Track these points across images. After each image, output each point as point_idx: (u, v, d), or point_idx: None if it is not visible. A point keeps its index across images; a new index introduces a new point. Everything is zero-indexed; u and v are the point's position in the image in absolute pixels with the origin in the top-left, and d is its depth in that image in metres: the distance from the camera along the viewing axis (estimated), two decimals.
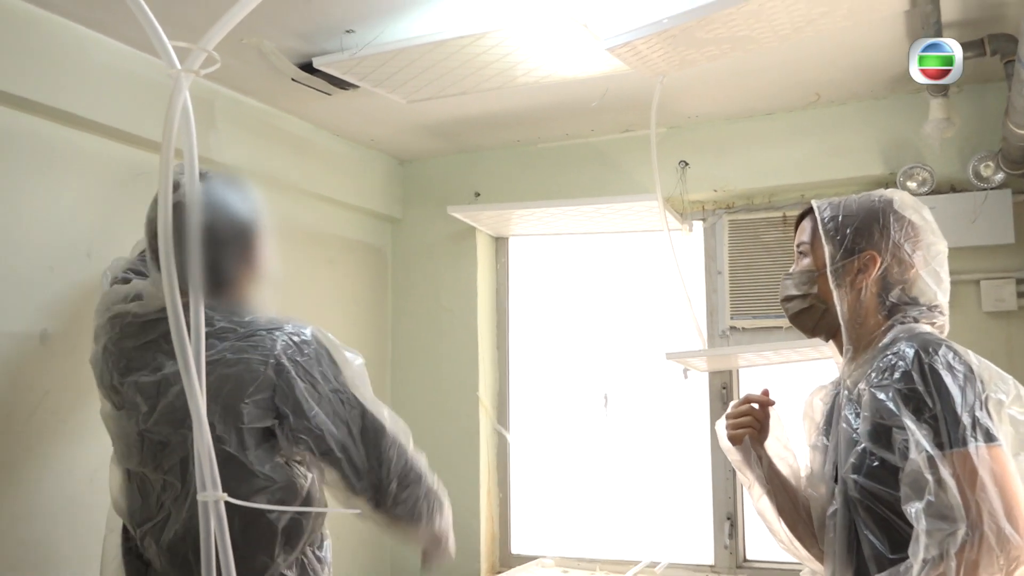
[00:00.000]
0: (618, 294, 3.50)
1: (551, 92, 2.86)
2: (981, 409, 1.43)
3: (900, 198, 1.70)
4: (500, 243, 3.69)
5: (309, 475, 1.87)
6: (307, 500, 1.85)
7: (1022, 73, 2.12)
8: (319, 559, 1.95)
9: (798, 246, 1.80)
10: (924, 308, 1.64)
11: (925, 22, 2.17)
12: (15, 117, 2.21)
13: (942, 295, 1.67)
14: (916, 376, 1.45)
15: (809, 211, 1.77)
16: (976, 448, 1.39)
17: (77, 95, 2.31)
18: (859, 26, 2.32)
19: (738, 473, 1.90)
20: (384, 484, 1.86)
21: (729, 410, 1.88)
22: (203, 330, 1.38)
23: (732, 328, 3.22)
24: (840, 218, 1.68)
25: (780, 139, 3.13)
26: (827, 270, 1.67)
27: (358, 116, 3.11)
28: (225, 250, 1.84)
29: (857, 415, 1.56)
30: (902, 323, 1.62)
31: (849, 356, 1.68)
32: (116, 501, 1.87)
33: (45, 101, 2.23)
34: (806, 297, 1.73)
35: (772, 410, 1.86)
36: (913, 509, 1.39)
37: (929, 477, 1.38)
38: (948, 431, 1.40)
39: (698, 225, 3.35)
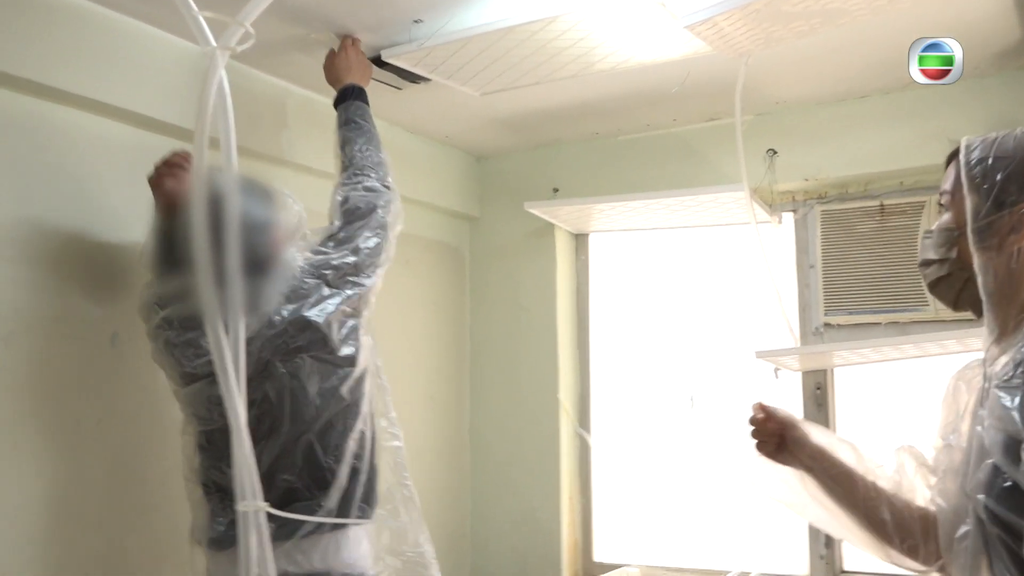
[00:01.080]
0: (705, 291, 3.32)
1: (630, 80, 2.71)
2: None
3: None
4: (580, 240, 3.55)
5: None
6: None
7: None
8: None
9: (941, 196, 1.46)
10: None
11: None
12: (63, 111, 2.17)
13: None
14: None
15: (956, 153, 1.42)
16: None
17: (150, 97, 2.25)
18: None
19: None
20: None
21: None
22: (243, 338, 1.27)
23: (826, 325, 3.01)
24: (990, 160, 1.33)
25: (876, 123, 2.91)
26: (968, 228, 1.33)
27: (431, 111, 3.00)
28: (258, 242, 1.90)
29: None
30: None
31: (995, 337, 1.35)
32: (191, 460, 1.98)
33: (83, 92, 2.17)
34: (944, 263, 1.42)
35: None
36: None
37: None
38: None
39: (788, 217, 3.14)
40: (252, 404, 1.78)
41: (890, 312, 2.89)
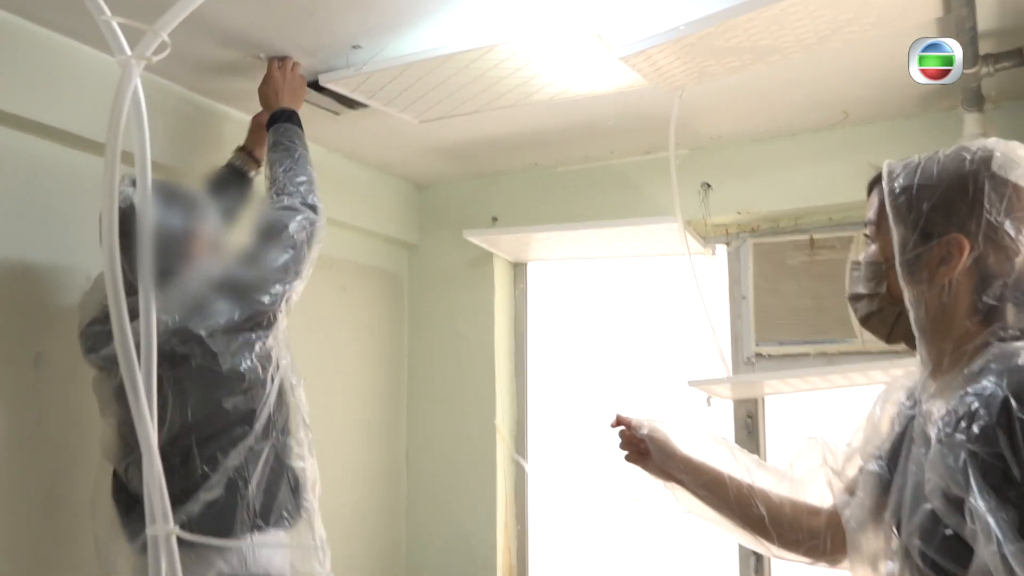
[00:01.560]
0: (640, 320, 3.35)
1: (568, 111, 2.74)
2: None
3: (1004, 152, 1.25)
4: (518, 269, 3.56)
5: (276, 369, 2.04)
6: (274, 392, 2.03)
7: None
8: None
9: (865, 226, 1.38)
10: None
11: (960, 28, 2.02)
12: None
13: None
14: (1002, 436, 1.06)
15: (879, 179, 1.33)
16: None
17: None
18: (888, 37, 2.17)
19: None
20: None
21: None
22: (154, 344, 1.24)
23: (758, 355, 3.05)
24: (915, 189, 1.25)
25: (806, 160, 2.98)
26: (896, 261, 1.27)
27: (371, 138, 2.99)
28: (169, 251, 1.94)
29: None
30: (1001, 338, 1.20)
31: (929, 371, 1.29)
32: (106, 450, 2.01)
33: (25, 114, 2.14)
34: (874, 298, 1.35)
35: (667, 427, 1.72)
36: None
37: None
38: None
39: (721, 249, 3.19)
40: None
41: (819, 343, 2.94)
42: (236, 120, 2.69)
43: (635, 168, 3.23)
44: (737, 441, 3.05)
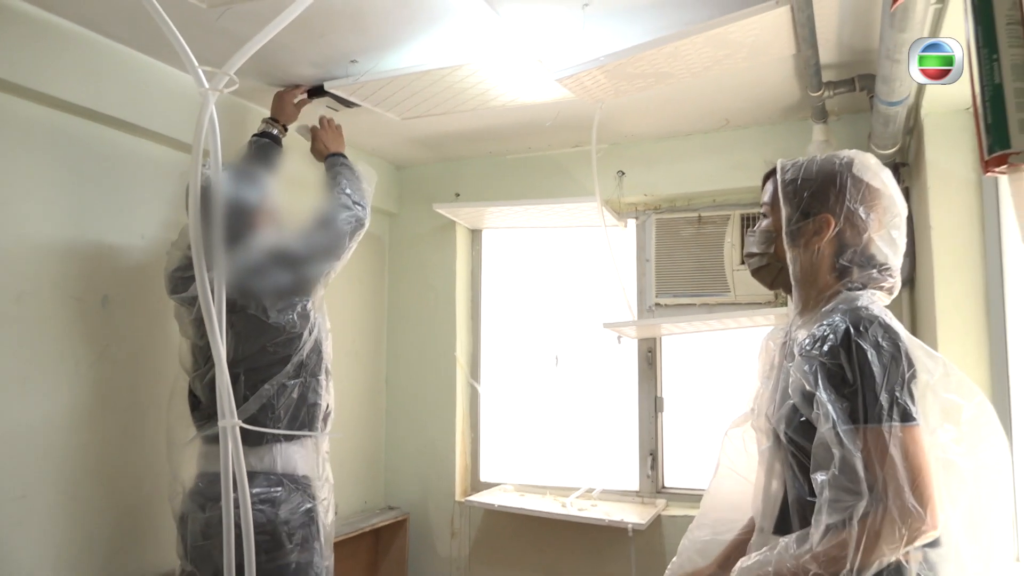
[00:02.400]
0: (568, 277, 3.55)
1: (516, 114, 2.90)
2: (902, 389, 1.23)
3: (861, 160, 1.45)
4: (475, 235, 3.73)
5: (314, 330, 2.13)
6: (308, 345, 2.12)
7: (879, 107, 2.19)
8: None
9: (761, 206, 1.56)
10: (874, 270, 1.42)
11: (807, 63, 2.22)
12: (94, 128, 2.24)
13: (895, 258, 1.43)
14: (843, 352, 1.25)
15: (773, 172, 1.51)
16: (890, 427, 1.20)
17: (140, 110, 2.33)
18: (756, 66, 2.37)
19: None
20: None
21: None
22: (223, 292, 1.42)
23: (657, 304, 3.28)
24: (799, 181, 1.44)
25: (696, 155, 3.19)
26: (783, 231, 1.45)
27: (363, 130, 3.13)
28: (238, 220, 2.08)
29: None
30: (849, 289, 1.41)
31: (798, 311, 1.49)
32: (183, 363, 2.13)
33: (119, 115, 2.27)
34: (764, 256, 1.53)
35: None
36: (819, 479, 1.22)
37: (836, 451, 1.20)
38: (865, 408, 1.22)
39: (631, 222, 3.40)
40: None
41: (702, 295, 3.18)
42: (254, 112, 2.82)
43: (566, 158, 3.42)
44: (640, 370, 3.30)
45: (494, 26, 2.14)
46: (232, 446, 1.38)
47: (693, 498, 3.15)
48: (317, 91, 2.57)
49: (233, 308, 1.95)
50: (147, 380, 2.33)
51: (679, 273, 3.24)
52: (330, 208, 2.27)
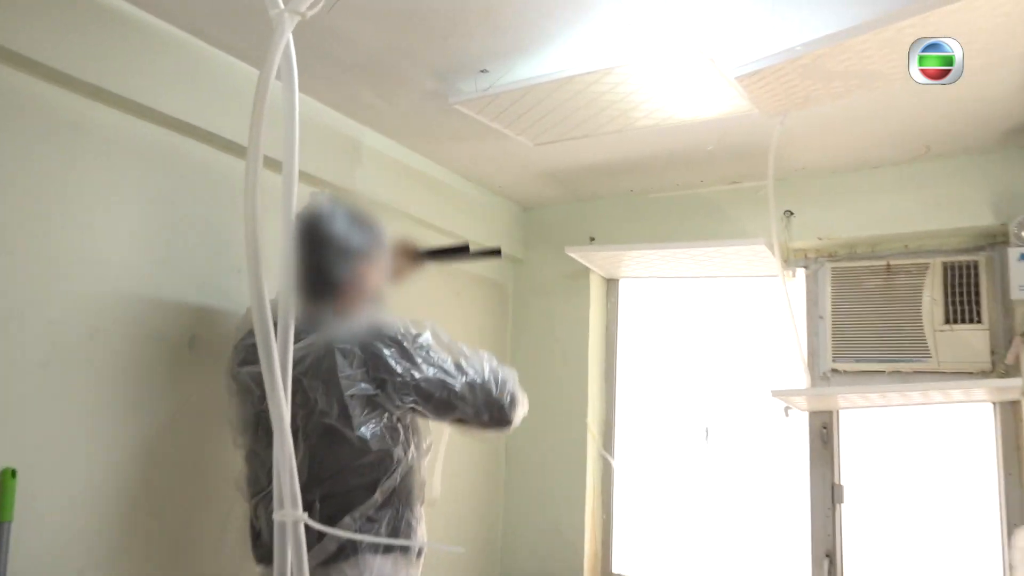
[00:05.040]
0: (720, 335, 3.05)
1: (666, 139, 2.49)
2: None
3: None
4: (611, 284, 3.30)
5: (409, 447, 1.68)
6: (404, 467, 1.66)
7: None
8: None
9: None
10: None
11: None
12: (189, 144, 1.98)
13: None
14: None
15: None
16: None
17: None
18: (978, 68, 1.86)
19: None
20: (496, 402, 1.70)
21: None
22: (291, 343, 1.05)
23: (833, 371, 2.72)
24: None
25: (886, 190, 2.66)
26: None
27: (488, 161, 2.79)
28: (335, 262, 1.71)
29: None
30: None
31: None
32: (238, 484, 1.75)
33: (219, 132, 1.99)
34: None
35: None
36: None
37: None
38: None
39: (800, 272, 2.88)
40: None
41: (894, 361, 2.61)
42: (371, 137, 2.53)
43: (721, 197, 2.95)
44: (812, 451, 2.73)
45: (653, 18, 1.74)
46: (293, 550, 0.99)
47: None
48: (438, 254, 2.18)
49: (307, 408, 1.58)
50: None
51: (861, 333, 2.68)
52: (484, 372, 1.71)
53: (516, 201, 3.29)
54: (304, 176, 2.25)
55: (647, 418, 3.14)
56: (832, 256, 2.82)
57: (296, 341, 1.63)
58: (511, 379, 1.74)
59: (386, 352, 1.60)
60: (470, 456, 3.01)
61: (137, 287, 1.84)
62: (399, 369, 1.59)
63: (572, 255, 2.96)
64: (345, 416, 1.57)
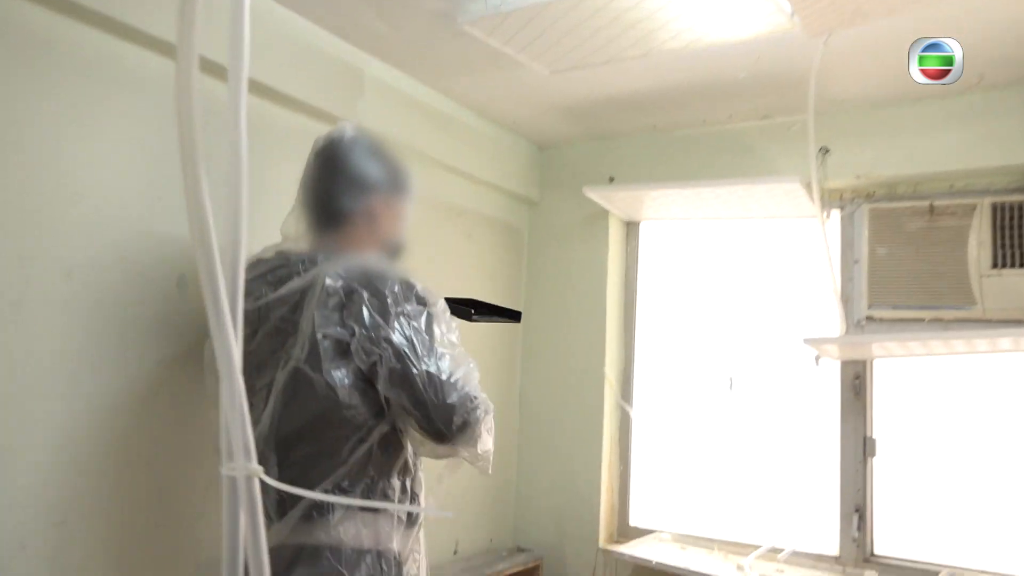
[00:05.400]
0: (745, 280, 2.88)
1: (692, 68, 2.31)
2: None
3: None
4: (631, 227, 3.13)
5: (387, 415, 1.48)
6: (379, 435, 1.48)
7: None
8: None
9: None
10: None
11: None
12: (170, 64, 1.81)
13: None
14: None
15: None
16: None
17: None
18: None
19: None
20: (446, 407, 1.42)
21: None
22: (240, 273, 0.91)
23: (869, 318, 2.56)
24: None
25: (931, 125, 2.46)
26: None
27: (501, 93, 2.61)
28: (345, 191, 1.59)
29: None
30: None
31: None
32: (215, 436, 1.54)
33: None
34: None
35: None
36: None
37: None
38: None
39: (835, 213, 2.69)
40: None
41: (935, 308, 2.44)
42: (375, 67, 2.35)
43: (752, 133, 2.76)
44: (843, 402, 2.59)
45: None
46: (246, 511, 0.85)
47: (913, 572, 2.41)
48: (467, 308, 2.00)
49: (285, 352, 1.47)
50: None
51: (900, 279, 2.51)
52: (456, 374, 1.45)
53: (532, 139, 3.11)
54: (301, 106, 2.11)
55: (668, 367, 3.00)
56: (870, 196, 2.63)
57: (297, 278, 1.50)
58: (482, 405, 1.46)
59: (366, 299, 1.42)
60: None
61: (120, 221, 1.70)
62: (368, 322, 1.41)
63: (590, 196, 2.79)
64: (315, 357, 1.41)
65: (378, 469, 1.47)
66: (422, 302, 1.47)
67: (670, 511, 2.90)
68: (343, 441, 1.43)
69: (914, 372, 2.56)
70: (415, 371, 1.39)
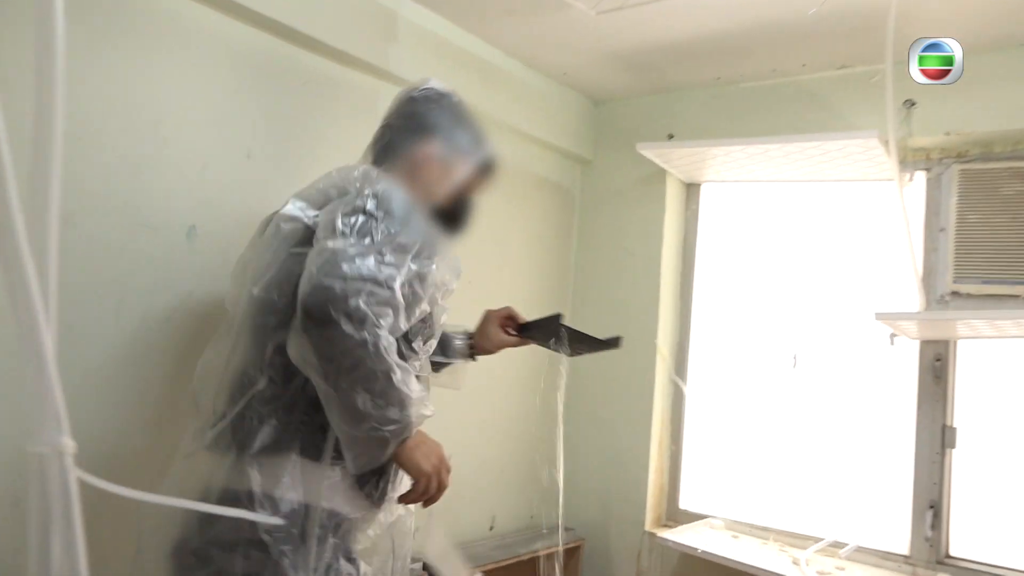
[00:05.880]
0: (817, 249, 2.63)
1: (758, 9, 2.06)
2: None
3: None
4: (691, 189, 2.90)
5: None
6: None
7: None
8: None
9: None
10: None
11: None
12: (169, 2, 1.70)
13: None
14: None
15: None
16: None
17: None
18: None
19: None
20: (327, 291, 1.14)
21: None
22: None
23: (954, 293, 2.29)
24: None
25: None
26: None
27: (549, 38, 2.41)
28: (403, 133, 1.50)
29: None
30: None
31: None
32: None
33: None
34: None
35: None
36: None
37: None
38: None
39: (919, 176, 2.42)
40: None
41: None
42: (410, 9, 2.19)
43: (826, 84, 2.49)
44: (921, 386, 2.33)
45: None
46: (59, 496, 0.69)
47: None
48: (531, 328, 1.88)
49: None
50: None
51: (993, 250, 2.23)
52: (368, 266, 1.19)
53: (584, 93, 2.91)
54: (326, 49, 1.96)
55: (726, 341, 2.78)
56: (961, 156, 2.34)
57: None
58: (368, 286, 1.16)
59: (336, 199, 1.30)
60: (524, 375, 2.73)
61: (124, 167, 1.60)
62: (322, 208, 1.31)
63: (646, 154, 2.58)
64: (273, 278, 1.28)
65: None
66: (386, 207, 1.26)
67: (724, 496, 2.70)
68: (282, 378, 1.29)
69: (1003, 356, 2.28)
70: (319, 239, 1.23)
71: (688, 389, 2.79)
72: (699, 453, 2.79)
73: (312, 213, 1.31)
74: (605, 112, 2.96)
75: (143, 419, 1.64)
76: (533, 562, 2.67)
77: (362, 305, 1.14)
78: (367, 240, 1.20)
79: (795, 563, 2.27)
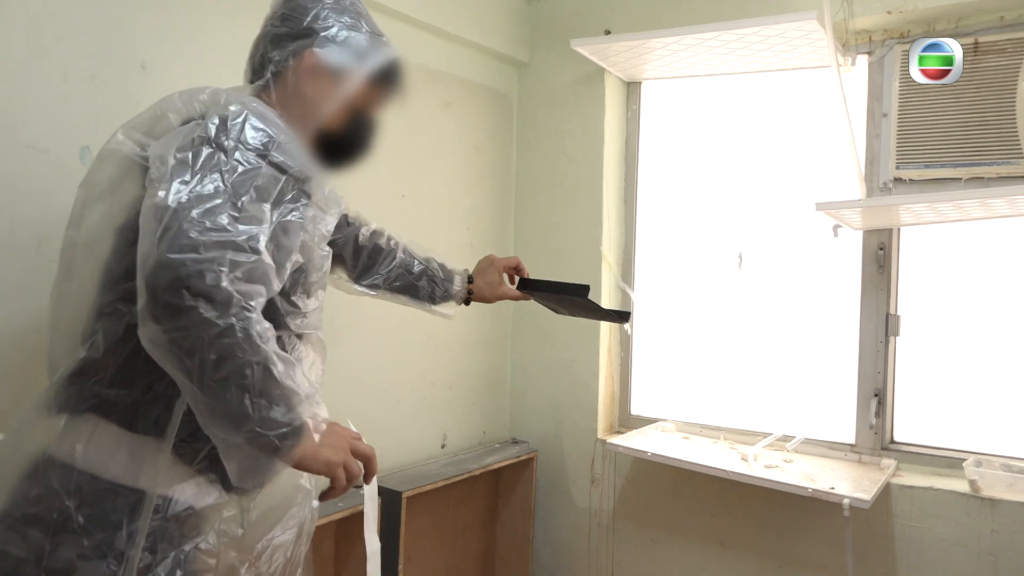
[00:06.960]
0: (761, 144, 2.57)
1: None
2: None
3: None
4: (632, 88, 2.80)
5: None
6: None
7: None
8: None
9: None
10: None
11: None
12: None
13: None
14: None
15: None
16: None
17: None
18: None
19: None
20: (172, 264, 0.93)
21: None
22: None
23: (896, 179, 2.26)
24: None
25: None
26: None
27: None
28: (272, 34, 1.28)
29: None
30: None
31: None
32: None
33: None
34: None
35: None
36: None
37: None
38: None
39: (862, 60, 2.35)
40: None
41: (974, 165, 2.13)
42: None
43: None
44: (864, 276, 2.32)
45: None
46: None
47: (935, 461, 2.20)
48: (534, 286, 1.83)
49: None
50: None
51: (935, 133, 2.19)
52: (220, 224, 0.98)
53: None
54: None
55: (672, 244, 2.74)
56: (904, 37, 2.27)
57: None
58: (255, 295, 0.98)
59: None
60: None
61: None
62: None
63: (581, 51, 2.47)
64: (95, 228, 1.12)
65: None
66: (237, 134, 1.06)
67: (676, 400, 2.71)
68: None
69: (946, 242, 2.27)
70: (157, 195, 0.97)
71: (635, 295, 2.76)
72: (649, 359, 2.78)
73: (145, 143, 1.11)
74: (540, 9, 2.83)
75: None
76: (486, 476, 2.68)
77: (223, 282, 0.93)
78: (215, 184, 0.98)
79: (744, 459, 2.29)
